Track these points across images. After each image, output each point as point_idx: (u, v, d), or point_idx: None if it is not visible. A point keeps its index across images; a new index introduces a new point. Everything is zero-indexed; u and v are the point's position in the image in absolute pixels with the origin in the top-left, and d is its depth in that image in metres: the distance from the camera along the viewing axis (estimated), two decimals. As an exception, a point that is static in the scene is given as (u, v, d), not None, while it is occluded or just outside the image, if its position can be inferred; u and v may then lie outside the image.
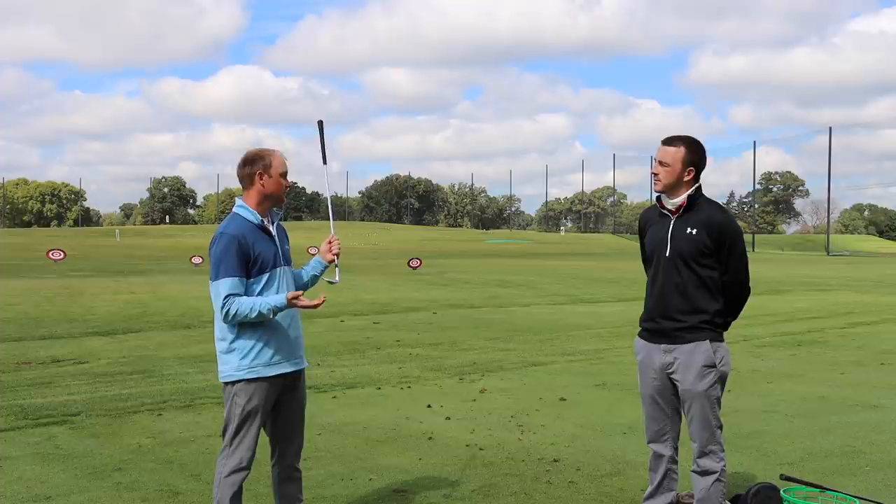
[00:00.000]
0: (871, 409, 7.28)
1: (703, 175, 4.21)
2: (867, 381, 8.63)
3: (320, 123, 4.39)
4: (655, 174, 4.16)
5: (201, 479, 5.20)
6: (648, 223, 4.34)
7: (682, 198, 4.13)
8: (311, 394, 7.64)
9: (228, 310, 3.75)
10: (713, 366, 4.06)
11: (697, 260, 4.07)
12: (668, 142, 4.16)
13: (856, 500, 4.42)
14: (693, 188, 4.12)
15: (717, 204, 4.20)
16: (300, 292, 3.88)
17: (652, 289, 4.26)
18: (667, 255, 4.14)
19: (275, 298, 3.82)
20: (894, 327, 13.74)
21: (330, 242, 4.19)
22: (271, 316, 3.82)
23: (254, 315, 3.76)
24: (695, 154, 4.12)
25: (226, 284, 3.76)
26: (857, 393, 7.96)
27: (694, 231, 4.07)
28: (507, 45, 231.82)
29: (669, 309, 4.13)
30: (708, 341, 4.07)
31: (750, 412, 7.10)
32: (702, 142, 4.18)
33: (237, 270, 3.78)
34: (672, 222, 4.16)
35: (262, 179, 3.91)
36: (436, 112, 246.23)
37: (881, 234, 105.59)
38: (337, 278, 4.24)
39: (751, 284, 4.24)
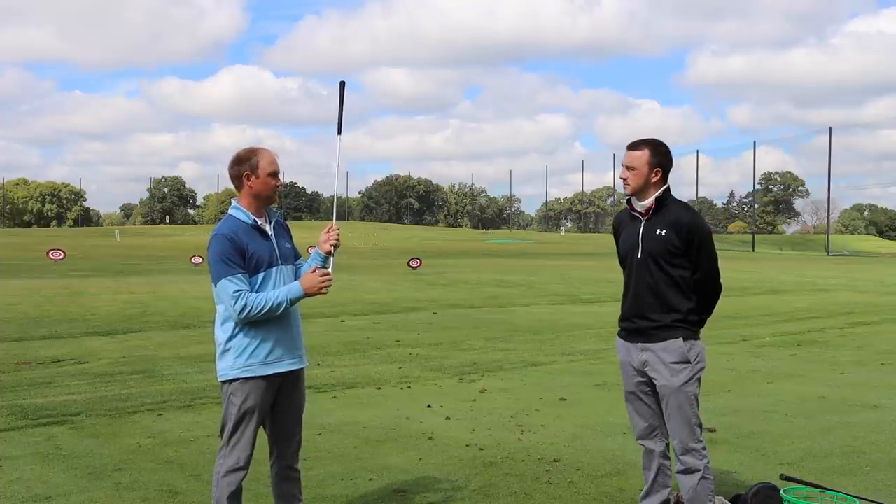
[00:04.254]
0: (871, 409, 7.28)
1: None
2: (867, 381, 8.63)
3: (342, 85, 4.19)
4: (624, 178, 4.24)
5: (201, 479, 5.20)
6: (621, 225, 4.41)
7: (650, 200, 4.19)
8: (311, 394, 7.64)
9: (243, 306, 3.73)
10: (687, 362, 4.12)
11: (668, 260, 4.13)
12: (634, 146, 4.23)
13: (856, 500, 4.42)
14: (661, 189, 4.19)
15: (684, 204, 4.26)
16: (316, 275, 3.88)
17: (627, 290, 4.33)
18: (638, 256, 4.22)
19: (289, 289, 3.82)
20: (894, 327, 13.74)
21: (328, 232, 4.06)
22: (288, 306, 3.82)
23: (266, 309, 3.76)
24: (660, 155, 4.19)
25: (231, 283, 3.75)
26: (857, 393, 7.96)
27: (663, 232, 4.14)
28: (507, 45, 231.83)
29: (643, 309, 4.20)
30: (682, 339, 4.13)
31: (750, 412, 7.10)
32: (665, 143, 4.25)
33: (238, 267, 3.78)
34: (642, 224, 4.22)
35: (249, 180, 3.90)
36: (435, 112, 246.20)
37: (881, 234, 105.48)
38: (329, 270, 4.08)
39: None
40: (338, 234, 4.07)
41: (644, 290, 4.19)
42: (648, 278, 4.17)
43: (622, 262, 4.40)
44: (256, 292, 3.84)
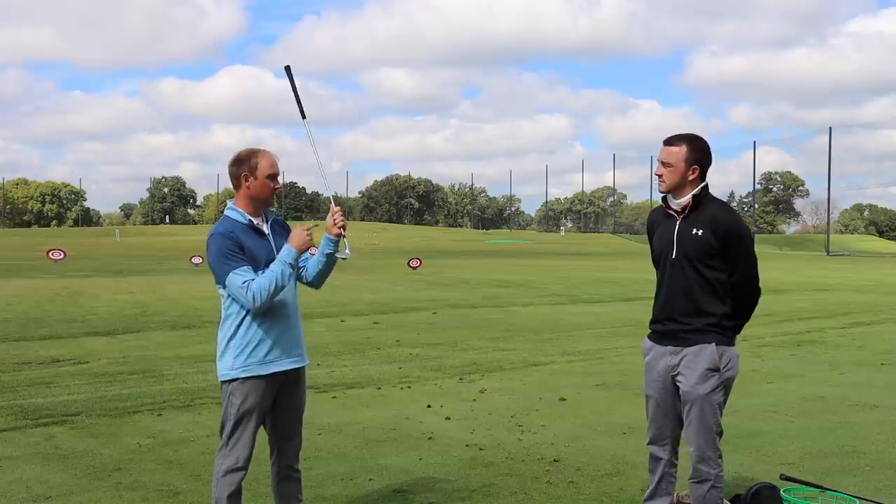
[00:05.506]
0: (871, 409, 7.28)
1: (707, 174, 4.14)
2: (867, 381, 8.63)
3: (287, 69, 4.12)
4: (659, 175, 4.09)
5: (201, 479, 5.20)
6: (656, 224, 4.25)
7: (687, 198, 4.04)
8: (311, 394, 7.62)
9: (254, 293, 3.72)
10: (717, 370, 4.00)
11: (704, 261, 3.99)
12: (670, 141, 4.08)
13: (856, 500, 4.41)
14: (698, 187, 4.05)
15: (722, 203, 4.11)
16: (302, 230, 3.89)
17: (659, 290, 4.20)
18: (673, 256, 4.08)
19: (280, 256, 3.81)
20: (894, 327, 13.74)
21: (333, 215, 4.04)
22: (291, 271, 3.81)
23: (273, 285, 3.74)
24: (698, 152, 4.03)
25: (237, 276, 3.74)
26: (857, 393, 7.96)
27: (700, 232, 3.99)
28: (507, 45, 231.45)
29: (675, 311, 4.07)
30: (714, 344, 4.00)
31: (750, 412, 7.10)
32: (705, 139, 4.11)
33: (241, 260, 3.78)
34: (678, 223, 4.08)
35: (247, 181, 3.89)
36: (436, 112, 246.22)
37: (881, 234, 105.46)
38: (347, 252, 4.08)
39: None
40: (342, 217, 4.04)
41: (677, 292, 4.05)
42: (682, 279, 4.03)
43: (655, 262, 4.26)
44: None
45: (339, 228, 4.01)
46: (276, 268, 3.80)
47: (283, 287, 3.79)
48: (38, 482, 5.17)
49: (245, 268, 3.77)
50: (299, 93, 4.12)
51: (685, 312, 4.04)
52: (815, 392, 8.02)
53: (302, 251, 3.87)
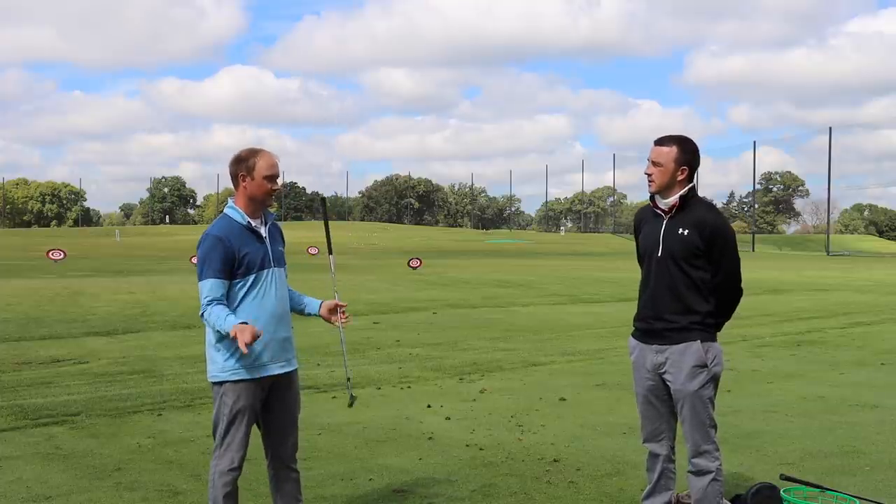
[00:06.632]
0: (871, 409, 7.28)
1: (702, 174, 4.20)
2: (867, 381, 8.63)
3: (323, 201, 4.34)
4: (649, 175, 4.15)
5: (201, 479, 5.19)
6: (643, 223, 4.32)
7: (674, 198, 4.11)
8: (311, 394, 7.66)
9: (204, 312, 3.80)
10: (704, 366, 4.05)
11: (689, 261, 4.06)
12: (661, 142, 4.14)
13: (856, 500, 4.41)
14: (686, 188, 4.11)
15: (709, 204, 4.19)
16: (251, 329, 3.64)
17: (644, 289, 4.25)
18: (658, 255, 4.13)
19: (228, 323, 3.69)
20: (894, 327, 13.74)
21: (338, 306, 4.18)
22: (218, 332, 3.80)
23: (212, 326, 3.79)
24: (687, 153, 4.10)
25: (207, 286, 3.78)
26: (857, 393, 7.96)
27: (685, 232, 4.06)
28: (507, 45, 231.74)
29: (660, 309, 4.13)
30: (699, 341, 4.06)
31: (750, 412, 7.10)
32: (694, 140, 4.16)
33: (219, 272, 3.78)
34: (664, 223, 4.14)
35: (244, 181, 3.89)
36: (435, 112, 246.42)
37: (881, 234, 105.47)
38: (352, 396, 4.46)
39: (747, 285, 4.22)
40: (345, 319, 4.20)
41: (662, 291, 4.11)
42: (667, 278, 4.09)
43: (640, 260, 4.31)
44: (246, 294, 3.85)
45: (339, 325, 4.19)
46: (222, 325, 3.68)
47: (211, 326, 3.80)
48: (38, 482, 5.17)
49: (220, 282, 3.79)
50: (330, 229, 4.35)
51: (672, 311, 4.10)
52: (815, 392, 8.02)
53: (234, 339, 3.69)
